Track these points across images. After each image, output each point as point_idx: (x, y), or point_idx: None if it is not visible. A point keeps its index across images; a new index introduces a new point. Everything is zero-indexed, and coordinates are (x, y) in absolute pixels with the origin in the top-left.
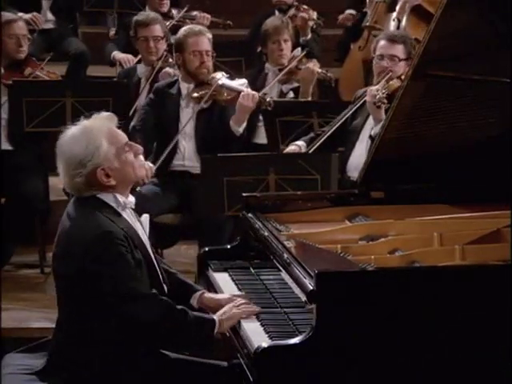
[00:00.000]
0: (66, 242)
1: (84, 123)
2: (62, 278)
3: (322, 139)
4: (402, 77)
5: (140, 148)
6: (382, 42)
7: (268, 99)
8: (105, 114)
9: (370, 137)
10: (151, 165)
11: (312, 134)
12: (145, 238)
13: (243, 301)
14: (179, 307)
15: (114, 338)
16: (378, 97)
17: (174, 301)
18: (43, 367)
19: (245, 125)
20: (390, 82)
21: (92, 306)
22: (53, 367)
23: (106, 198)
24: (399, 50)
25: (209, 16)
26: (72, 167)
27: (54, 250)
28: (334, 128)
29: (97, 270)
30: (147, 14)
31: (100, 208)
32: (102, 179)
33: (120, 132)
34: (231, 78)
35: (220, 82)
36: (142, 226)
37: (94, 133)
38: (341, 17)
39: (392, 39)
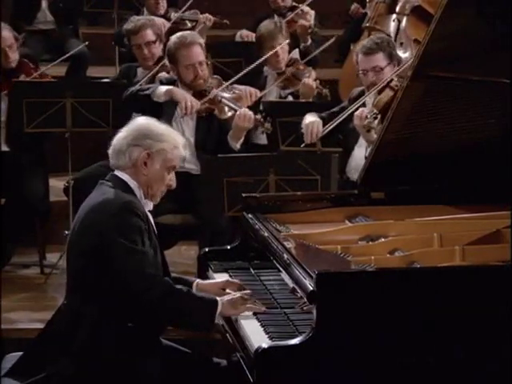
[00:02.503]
0: (87, 213)
1: (173, 129)
2: (77, 250)
3: (338, 121)
4: (392, 83)
5: (174, 183)
6: (360, 57)
7: (266, 124)
8: (185, 141)
9: (366, 158)
10: (197, 102)
11: (324, 114)
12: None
13: (251, 297)
14: (181, 287)
15: (119, 328)
16: (366, 121)
17: None
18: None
19: (242, 141)
20: (381, 96)
21: (101, 284)
22: (45, 349)
23: (133, 185)
24: (379, 59)
25: (211, 17)
26: (135, 132)
27: (73, 226)
28: (346, 115)
29: (112, 239)
30: (136, 20)
31: (125, 190)
32: (141, 160)
33: (179, 160)
34: (228, 88)
35: (218, 97)
36: None
37: (171, 136)
38: (352, 7)
39: (368, 52)
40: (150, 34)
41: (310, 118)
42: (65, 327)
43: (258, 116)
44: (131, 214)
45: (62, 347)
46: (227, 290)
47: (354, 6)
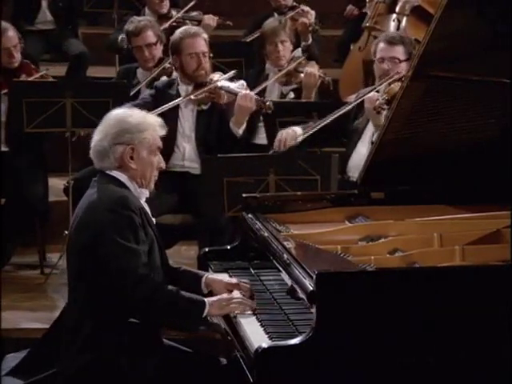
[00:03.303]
0: (84, 211)
1: (143, 112)
2: (76, 249)
3: (314, 130)
4: (403, 79)
5: (164, 163)
6: (382, 45)
7: (268, 103)
8: (160, 119)
9: (373, 143)
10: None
11: (310, 123)
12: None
13: (240, 296)
14: (170, 288)
15: (120, 326)
16: (378, 102)
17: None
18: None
19: (244, 126)
20: (392, 86)
21: (104, 283)
22: (49, 349)
23: (124, 179)
24: (399, 52)
25: (215, 17)
26: (112, 130)
27: (71, 226)
28: (327, 122)
29: (107, 235)
30: (137, 21)
31: (118, 186)
32: (126, 156)
33: (159, 139)
34: (230, 79)
35: (219, 84)
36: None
37: (148, 121)
38: (347, 9)
39: (391, 41)
40: (150, 36)
41: (289, 129)
42: (68, 327)
43: (260, 98)
44: (125, 209)
45: (65, 347)
46: (234, 291)
47: (349, 7)
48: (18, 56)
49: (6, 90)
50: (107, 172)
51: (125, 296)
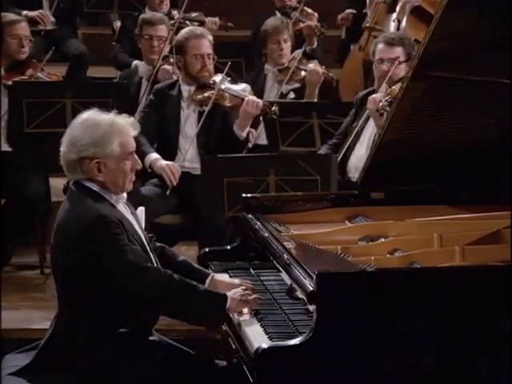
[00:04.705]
0: (64, 230)
1: (112, 116)
2: (63, 267)
3: (347, 145)
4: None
5: (139, 164)
6: (381, 46)
7: (274, 108)
8: (132, 119)
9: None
10: (178, 167)
11: (331, 142)
12: (139, 230)
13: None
14: (184, 280)
15: (115, 333)
16: (381, 104)
17: None
18: (32, 362)
19: (248, 129)
20: (393, 87)
21: (93, 294)
22: (46, 362)
23: (98, 189)
24: (399, 53)
25: (217, 20)
26: (77, 143)
27: (53, 242)
28: (353, 135)
29: (96, 252)
30: (154, 13)
31: (94, 198)
32: (92, 170)
33: (132, 141)
34: (232, 80)
35: (222, 87)
36: (137, 219)
37: (117, 127)
38: (340, 16)
39: (390, 42)
40: (164, 30)
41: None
42: (61, 342)
43: (266, 102)
44: (104, 225)
45: (65, 355)
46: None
47: (342, 15)
48: (27, 48)
49: (10, 82)
50: (83, 183)
51: (141, 293)
